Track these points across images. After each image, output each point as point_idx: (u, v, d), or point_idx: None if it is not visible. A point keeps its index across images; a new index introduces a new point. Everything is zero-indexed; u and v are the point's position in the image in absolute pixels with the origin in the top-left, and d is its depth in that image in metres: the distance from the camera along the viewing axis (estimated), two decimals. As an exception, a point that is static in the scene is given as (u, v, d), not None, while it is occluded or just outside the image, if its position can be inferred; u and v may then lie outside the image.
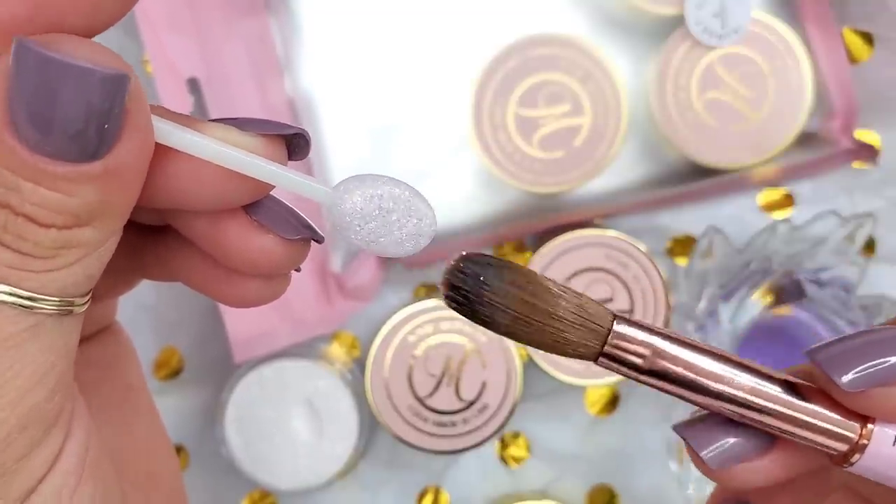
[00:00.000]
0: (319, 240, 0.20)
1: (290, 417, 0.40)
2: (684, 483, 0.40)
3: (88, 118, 0.16)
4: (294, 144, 0.19)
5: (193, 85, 0.39)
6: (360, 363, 0.42)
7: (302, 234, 0.19)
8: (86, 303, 0.18)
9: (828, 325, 0.40)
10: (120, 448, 0.22)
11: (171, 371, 0.43)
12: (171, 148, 0.18)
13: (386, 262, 0.42)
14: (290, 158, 0.19)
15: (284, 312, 0.40)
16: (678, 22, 0.40)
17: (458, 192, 0.42)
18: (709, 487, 0.39)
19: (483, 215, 0.42)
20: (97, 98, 0.16)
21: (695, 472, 0.39)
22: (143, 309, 0.42)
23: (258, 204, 0.19)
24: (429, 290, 0.43)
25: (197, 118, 0.18)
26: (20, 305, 0.17)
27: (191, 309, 0.43)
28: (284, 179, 0.18)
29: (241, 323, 0.39)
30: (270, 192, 0.19)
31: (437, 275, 0.43)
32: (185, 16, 0.39)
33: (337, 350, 0.42)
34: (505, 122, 0.40)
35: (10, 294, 0.16)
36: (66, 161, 0.16)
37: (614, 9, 0.41)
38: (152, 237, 0.21)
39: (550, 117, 0.40)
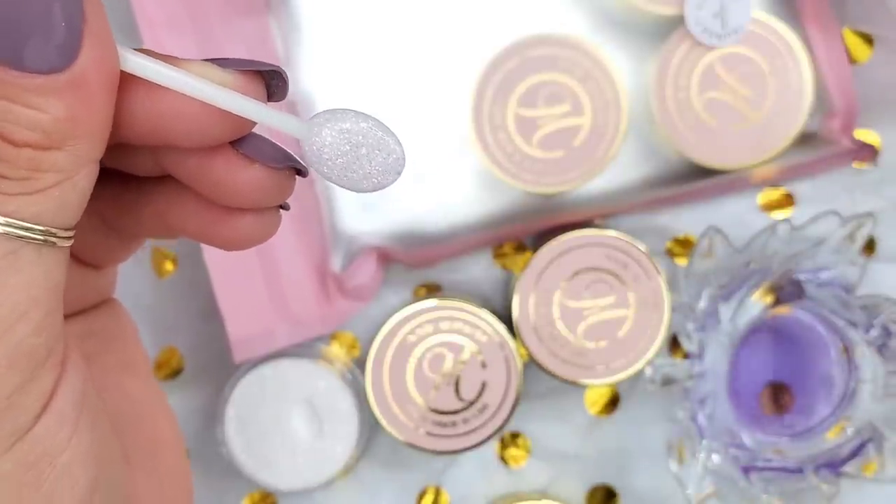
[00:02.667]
0: (303, 171, 0.21)
1: (290, 417, 0.40)
2: (684, 483, 0.40)
3: (48, 21, 0.17)
4: (273, 85, 0.20)
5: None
6: (360, 363, 0.42)
7: (285, 164, 0.20)
8: (68, 238, 0.18)
9: (828, 325, 0.40)
10: (122, 414, 0.22)
11: (171, 371, 0.43)
12: (153, 84, 0.18)
13: (386, 262, 0.42)
14: (269, 99, 0.20)
15: (284, 312, 0.40)
16: (678, 22, 0.40)
17: (458, 193, 0.42)
18: (709, 487, 0.39)
19: (483, 215, 0.42)
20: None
21: (695, 472, 0.39)
22: (143, 309, 0.42)
23: (242, 138, 0.20)
24: (429, 290, 0.43)
25: (180, 58, 0.19)
26: None
27: (191, 309, 0.43)
28: (259, 113, 0.19)
29: (240, 323, 0.39)
30: (253, 129, 0.20)
31: (437, 275, 0.43)
32: (184, 16, 0.39)
33: (337, 350, 0.42)
34: (505, 123, 0.40)
35: None
36: (35, 74, 0.17)
37: (614, 9, 0.41)
38: (148, 191, 0.22)
39: (550, 117, 0.40)
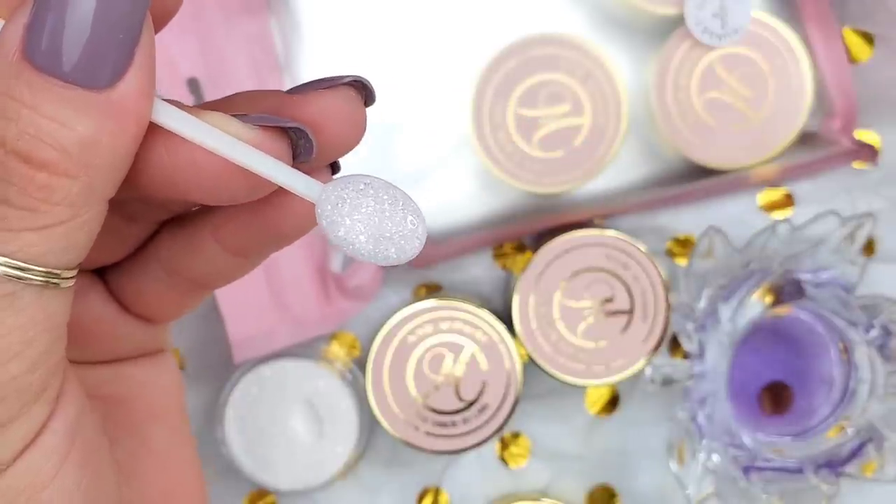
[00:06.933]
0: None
1: (290, 417, 0.40)
2: (684, 483, 0.40)
3: (105, 32, 0.16)
4: (299, 146, 0.19)
5: (193, 85, 0.39)
6: (360, 363, 0.42)
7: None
8: (71, 277, 0.17)
9: (828, 325, 0.40)
10: (135, 460, 0.22)
11: (171, 371, 0.43)
12: (171, 133, 0.18)
13: (386, 262, 0.42)
14: (294, 159, 0.19)
15: (284, 312, 0.40)
16: (678, 22, 0.39)
17: (458, 192, 0.42)
18: (709, 487, 0.39)
19: (483, 215, 0.42)
20: (119, 7, 0.16)
21: (695, 472, 0.39)
22: (143, 309, 0.42)
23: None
24: (429, 290, 0.43)
25: (200, 109, 0.18)
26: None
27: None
28: (273, 170, 0.18)
29: (240, 323, 0.39)
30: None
31: (437, 275, 0.43)
32: (185, 16, 0.39)
33: (337, 350, 0.42)
34: (505, 122, 0.40)
35: None
36: (74, 85, 0.16)
37: (614, 9, 0.41)
38: (201, 220, 0.21)
39: (550, 117, 0.40)
